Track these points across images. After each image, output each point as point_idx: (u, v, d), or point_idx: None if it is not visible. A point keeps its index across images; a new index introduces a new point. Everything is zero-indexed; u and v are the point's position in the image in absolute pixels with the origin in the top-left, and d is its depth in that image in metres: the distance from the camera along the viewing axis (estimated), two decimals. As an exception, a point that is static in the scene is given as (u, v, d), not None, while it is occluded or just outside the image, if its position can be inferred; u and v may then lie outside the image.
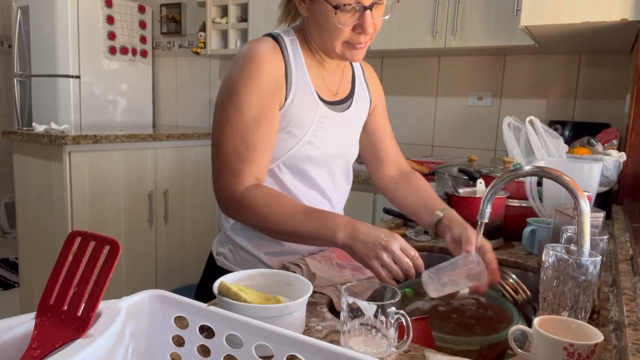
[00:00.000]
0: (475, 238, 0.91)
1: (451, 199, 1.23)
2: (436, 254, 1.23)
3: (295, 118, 1.00)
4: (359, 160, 1.34)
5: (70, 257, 0.50)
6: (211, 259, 1.14)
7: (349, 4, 0.90)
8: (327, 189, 1.10)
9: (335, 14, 0.91)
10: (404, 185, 1.19)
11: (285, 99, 0.99)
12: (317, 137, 1.03)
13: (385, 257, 0.83)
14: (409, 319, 0.64)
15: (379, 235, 0.84)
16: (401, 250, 0.83)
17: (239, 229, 1.08)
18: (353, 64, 1.15)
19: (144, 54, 3.74)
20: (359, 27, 0.93)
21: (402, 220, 1.43)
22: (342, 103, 1.09)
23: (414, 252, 0.84)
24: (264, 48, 0.97)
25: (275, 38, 1.01)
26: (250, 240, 1.07)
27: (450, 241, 0.97)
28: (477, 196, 1.20)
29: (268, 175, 1.05)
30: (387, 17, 0.96)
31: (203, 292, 1.08)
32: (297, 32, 1.04)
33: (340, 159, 1.11)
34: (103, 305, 0.50)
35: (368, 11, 0.92)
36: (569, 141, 1.79)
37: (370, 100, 1.17)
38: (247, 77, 0.95)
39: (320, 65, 1.05)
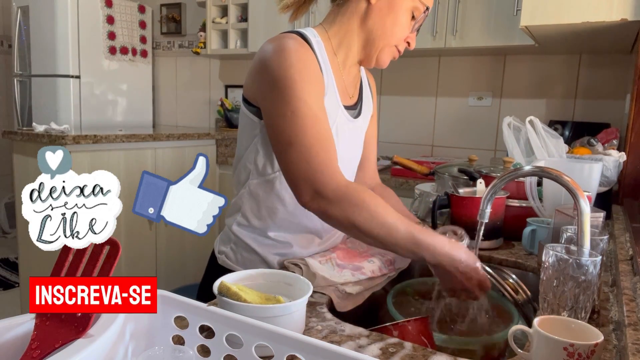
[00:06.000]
0: (475, 244, 0.92)
1: (451, 199, 1.22)
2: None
3: None
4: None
5: (70, 257, 0.50)
6: (213, 258, 1.12)
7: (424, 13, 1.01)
8: None
9: (424, 12, 1.00)
10: (381, 195, 1.14)
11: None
12: (336, 139, 1.01)
13: (466, 289, 0.91)
14: None
15: (468, 271, 0.89)
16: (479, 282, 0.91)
17: (246, 226, 1.05)
18: (361, 72, 1.14)
19: (144, 54, 3.74)
20: (410, 38, 1.04)
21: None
22: (354, 108, 1.09)
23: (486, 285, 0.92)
24: (297, 42, 0.95)
25: (302, 36, 0.98)
26: (255, 239, 1.04)
27: None
28: (477, 196, 1.20)
29: (263, 183, 1.02)
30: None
31: (206, 291, 1.06)
32: (322, 34, 1.02)
33: (349, 163, 1.11)
34: (103, 305, 0.50)
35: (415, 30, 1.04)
36: (569, 141, 1.79)
37: (371, 109, 1.18)
38: (298, 68, 0.91)
39: (341, 69, 1.05)
